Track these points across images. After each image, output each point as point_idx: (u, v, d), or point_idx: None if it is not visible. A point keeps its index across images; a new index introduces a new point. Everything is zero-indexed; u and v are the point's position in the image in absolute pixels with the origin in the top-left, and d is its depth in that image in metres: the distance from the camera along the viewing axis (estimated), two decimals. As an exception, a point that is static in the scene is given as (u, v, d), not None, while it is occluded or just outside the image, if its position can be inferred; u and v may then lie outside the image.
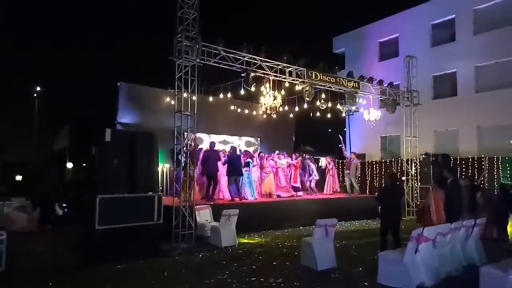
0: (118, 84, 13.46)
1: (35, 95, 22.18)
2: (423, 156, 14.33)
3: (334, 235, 6.80)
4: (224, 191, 11.72)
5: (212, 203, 10.12)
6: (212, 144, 11.34)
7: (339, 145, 14.27)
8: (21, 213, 10.27)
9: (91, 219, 6.67)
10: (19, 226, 9.78)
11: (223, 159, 11.32)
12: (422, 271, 5.54)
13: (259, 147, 16.70)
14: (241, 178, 11.53)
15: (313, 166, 13.90)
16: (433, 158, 13.73)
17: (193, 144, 8.91)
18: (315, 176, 13.79)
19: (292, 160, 13.49)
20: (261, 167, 12.61)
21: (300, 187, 13.37)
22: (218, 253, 7.66)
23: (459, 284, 5.67)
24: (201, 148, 11.99)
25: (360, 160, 19.18)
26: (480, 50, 16.58)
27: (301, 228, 10.84)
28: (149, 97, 13.97)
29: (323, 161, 14.43)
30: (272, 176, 12.73)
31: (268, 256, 7.47)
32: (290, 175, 13.27)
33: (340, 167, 18.03)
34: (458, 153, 16.11)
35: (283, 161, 13.15)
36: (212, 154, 10.94)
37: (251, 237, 9.50)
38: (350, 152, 14.27)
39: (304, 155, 14.49)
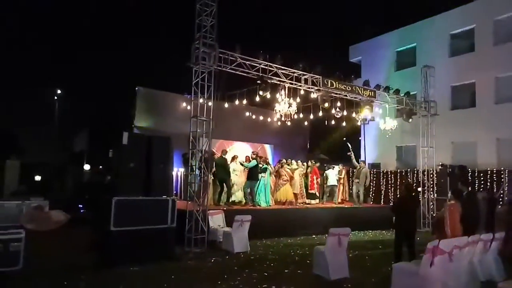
0: (136, 88, 13.71)
1: (55, 98, 22.80)
2: (440, 167, 14.07)
3: (347, 245, 6.73)
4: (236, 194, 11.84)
5: (225, 208, 10.17)
6: (223, 152, 11.66)
7: (348, 153, 14.07)
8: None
9: (106, 220, 6.79)
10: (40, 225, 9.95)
11: (246, 163, 11.57)
12: (438, 284, 5.42)
13: (273, 154, 16.70)
14: (257, 184, 11.63)
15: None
16: (450, 170, 13.47)
17: (208, 149, 8.98)
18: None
19: (304, 168, 13.47)
20: (279, 175, 12.62)
21: (318, 194, 13.29)
22: (230, 259, 7.67)
23: (476, 299, 5.53)
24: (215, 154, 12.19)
25: (371, 169, 19.03)
26: (500, 61, 16.25)
27: (314, 236, 10.76)
28: (166, 102, 14.18)
29: (336, 170, 14.29)
30: (288, 184, 12.72)
31: (280, 263, 7.44)
32: (307, 183, 13.25)
33: (351, 175, 17.88)
34: (477, 165, 15.75)
35: (294, 167, 13.14)
36: (222, 160, 11.23)
37: (264, 243, 9.48)
38: (360, 161, 13.97)
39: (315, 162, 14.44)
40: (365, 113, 12.51)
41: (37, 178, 16.05)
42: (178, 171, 12.89)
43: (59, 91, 22.59)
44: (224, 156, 11.61)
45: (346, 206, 13.06)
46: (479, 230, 7.35)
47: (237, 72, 9.88)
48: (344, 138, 26.56)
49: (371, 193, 17.75)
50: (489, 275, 6.34)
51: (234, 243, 8.24)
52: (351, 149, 13.97)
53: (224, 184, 11.18)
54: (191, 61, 8.75)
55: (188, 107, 10.11)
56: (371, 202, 16.50)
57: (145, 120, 13.52)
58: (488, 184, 13.99)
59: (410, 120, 13.49)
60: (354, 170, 14.17)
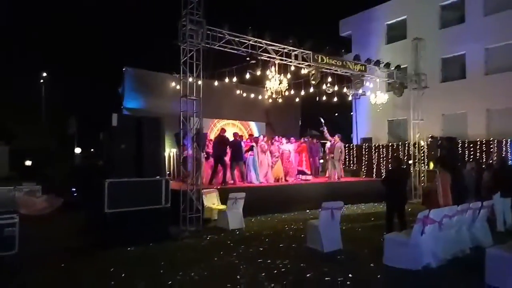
0: (124, 69, 13.45)
1: (42, 81, 22.33)
2: (430, 139, 14.23)
3: (340, 218, 6.85)
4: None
5: (219, 187, 10.23)
6: (222, 130, 11.59)
7: (321, 128, 13.81)
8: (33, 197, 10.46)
9: (100, 203, 6.79)
10: (33, 209, 9.98)
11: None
12: (428, 252, 5.58)
13: (265, 132, 16.69)
14: (245, 162, 11.67)
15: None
16: (440, 142, 13.64)
17: (199, 128, 8.93)
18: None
19: (292, 143, 13.51)
20: (270, 153, 12.66)
21: (307, 170, 13.36)
22: (226, 236, 7.77)
23: (465, 265, 5.71)
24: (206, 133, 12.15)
25: (363, 144, 19.16)
26: (490, 31, 16.20)
27: (308, 211, 10.92)
28: (154, 82, 13.96)
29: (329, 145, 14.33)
30: (280, 162, 12.80)
31: (275, 238, 7.56)
32: (301, 159, 13.32)
33: (345, 151, 18.08)
34: (467, 136, 15.97)
35: (285, 146, 13.17)
36: (221, 140, 11.19)
37: (258, 220, 9.60)
38: (336, 135, 13.36)
39: (310, 138, 14.48)
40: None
41: (28, 163, 15.91)
42: (170, 152, 12.85)
43: (44, 74, 22.12)
44: (223, 135, 11.46)
45: (338, 181, 13.13)
46: (469, 199, 7.53)
47: (226, 49, 9.71)
48: (336, 114, 26.63)
49: (363, 167, 18.00)
50: (477, 241, 6.54)
51: (229, 221, 8.32)
52: (323, 124, 13.67)
53: (219, 163, 11.15)
54: (179, 39, 8.55)
55: (178, 87, 9.97)
56: (364, 176, 16.73)
57: (134, 101, 13.34)
58: (478, 154, 14.24)
59: (398, 95, 13.47)
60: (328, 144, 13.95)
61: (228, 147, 11.41)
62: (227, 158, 11.51)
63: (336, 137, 13.11)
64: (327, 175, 13.70)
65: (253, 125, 16.87)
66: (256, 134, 15.58)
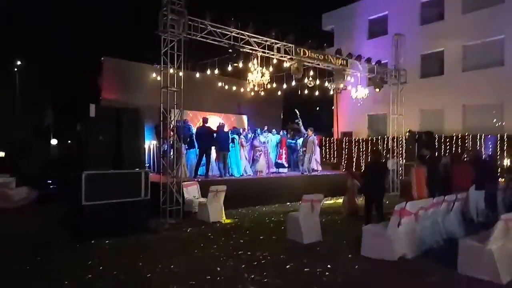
0: (102, 58, 13.11)
1: (16, 69, 21.53)
2: (408, 134, 14.54)
3: (320, 210, 6.93)
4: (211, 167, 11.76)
5: (200, 180, 10.17)
6: (205, 120, 11.37)
7: (296, 120, 13.75)
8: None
9: (77, 195, 6.64)
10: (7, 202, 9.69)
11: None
12: (404, 243, 5.73)
13: (247, 124, 16.66)
14: (229, 155, 11.61)
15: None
16: (417, 136, 13.96)
17: (180, 119, 8.83)
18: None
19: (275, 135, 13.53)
20: (253, 146, 12.62)
21: (286, 164, 13.42)
22: (206, 228, 7.75)
23: (439, 255, 5.87)
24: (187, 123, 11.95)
25: (343, 138, 19.41)
26: (468, 29, 16.59)
27: (288, 203, 11.02)
28: (134, 72, 13.66)
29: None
30: (263, 155, 12.81)
31: (255, 231, 7.60)
32: (277, 152, 13.36)
33: (326, 145, 18.33)
34: (443, 131, 16.39)
35: (273, 137, 13.19)
36: (205, 130, 10.96)
37: (239, 212, 9.61)
38: (308, 129, 13.06)
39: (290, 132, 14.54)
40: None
41: (1, 154, 15.38)
42: (150, 144, 12.67)
43: (19, 62, 21.33)
44: (206, 125, 11.17)
45: (318, 174, 13.28)
46: (444, 191, 7.74)
47: (207, 41, 9.59)
48: (318, 108, 26.83)
49: (343, 160, 18.26)
50: (451, 232, 6.74)
51: (210, 213, 8.31)
52: (299, 116, 13.58)
53: (205, 155, 11.01)
54: (159, 29, 8.40)
55: (158, 78, 9.80)
56: (343, 169, 16.97)
57: (113, 92, 13.02)
58: (454, 148, 14.65)
59: (377, 90, 13.66)
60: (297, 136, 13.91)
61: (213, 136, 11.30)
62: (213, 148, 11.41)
63: (309, 131, 13.01)
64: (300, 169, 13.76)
65: (244, 117, 16.80)
66: (245, 126, 15.54)
